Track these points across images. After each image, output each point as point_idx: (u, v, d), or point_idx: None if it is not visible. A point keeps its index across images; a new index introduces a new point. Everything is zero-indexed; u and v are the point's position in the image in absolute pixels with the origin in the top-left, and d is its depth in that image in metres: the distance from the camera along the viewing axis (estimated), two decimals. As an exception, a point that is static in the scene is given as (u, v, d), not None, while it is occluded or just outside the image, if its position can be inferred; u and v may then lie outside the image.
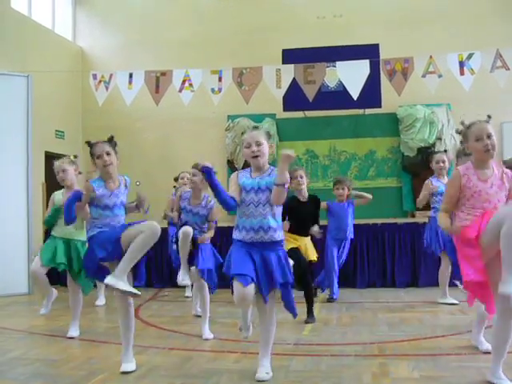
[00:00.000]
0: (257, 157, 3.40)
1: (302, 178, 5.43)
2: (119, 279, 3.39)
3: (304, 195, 5.52)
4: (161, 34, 10.37)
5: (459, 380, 3.22)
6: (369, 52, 8.26)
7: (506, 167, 4.81)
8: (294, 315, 3.50)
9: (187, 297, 6.66)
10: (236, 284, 3.23)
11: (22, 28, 9.10)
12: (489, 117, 3.39)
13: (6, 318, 5.75)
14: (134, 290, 3.45)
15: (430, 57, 7.45)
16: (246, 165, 9.54)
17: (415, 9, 9.67)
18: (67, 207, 3.83)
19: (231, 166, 9.75)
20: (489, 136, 3.24)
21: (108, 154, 3.73)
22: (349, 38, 9.29)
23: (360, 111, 9.50)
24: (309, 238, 5.53)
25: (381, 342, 4.20)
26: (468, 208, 3.25)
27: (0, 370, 3.64)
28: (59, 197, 4.87)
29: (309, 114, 9.57)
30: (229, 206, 3.37)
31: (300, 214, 5.42)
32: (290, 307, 3.45)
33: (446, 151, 6.47)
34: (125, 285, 3.41)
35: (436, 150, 8.98)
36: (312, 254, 5.53)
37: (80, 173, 5.13)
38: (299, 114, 9.60)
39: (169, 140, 10.31)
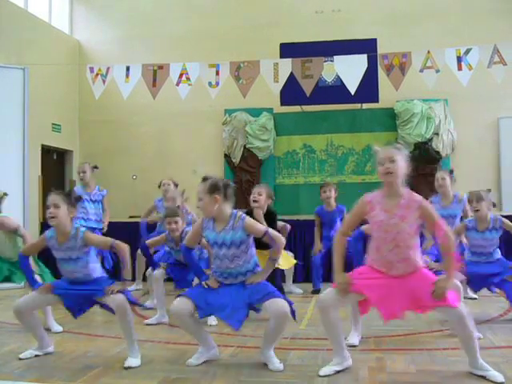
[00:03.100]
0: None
1: (260, 195, 5.43)
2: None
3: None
4: (158, 27, 10.32)
5: (456, 374, 3.23)
6: (366, 46, 8.23)
7: (469, 199, 4.71)
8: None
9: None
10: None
11: (18, 21, 9.03)
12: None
13: (1, 311, 5.75)
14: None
15: (428, 52, 7.41)
16: (243, 159, 9.60)
17: (413, 4, 9.65)
18: None
19: (228, 160, 9.76)
20: (392, 161, 3.17)
21: (56, 206, 3.50)
22: (347, 32, 9.28)
23: (357, 106, 9.49)
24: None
25: (377, 337, 4.20)
26: (374, 249, 3.22)
27: (-4, 363, 3.63)
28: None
29: (306, 108, 9.55)
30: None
31: None
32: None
33: (452, 171, 5.92)
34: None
35: (433, 145, 9.00)
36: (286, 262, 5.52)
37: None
38: (296, 109, 9.57)
39: (165, 134, 10.28)
